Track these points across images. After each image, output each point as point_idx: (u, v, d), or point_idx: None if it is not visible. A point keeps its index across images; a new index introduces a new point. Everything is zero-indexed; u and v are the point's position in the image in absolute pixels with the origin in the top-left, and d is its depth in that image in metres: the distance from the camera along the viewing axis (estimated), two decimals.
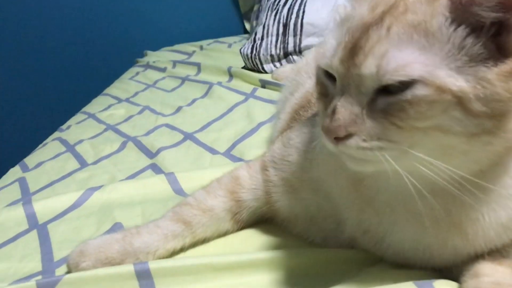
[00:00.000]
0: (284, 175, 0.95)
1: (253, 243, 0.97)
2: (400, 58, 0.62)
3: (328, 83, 0.72)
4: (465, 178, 0.67)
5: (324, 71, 0.72)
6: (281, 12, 2.36)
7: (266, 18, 2.45)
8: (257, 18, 2.86)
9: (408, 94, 0.61)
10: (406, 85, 0.61)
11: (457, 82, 0.61)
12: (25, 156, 1.76)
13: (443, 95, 0.60)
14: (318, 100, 0.75)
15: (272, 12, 2.43)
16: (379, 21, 0.65)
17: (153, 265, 0.85)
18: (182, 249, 0.96)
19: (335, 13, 0.76)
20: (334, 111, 0.66)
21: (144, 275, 0.84)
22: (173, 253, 0.94)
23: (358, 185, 0.80)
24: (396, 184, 0.73)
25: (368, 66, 0.63)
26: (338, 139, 0.66)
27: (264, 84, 2.08)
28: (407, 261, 0.80)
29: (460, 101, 0.61)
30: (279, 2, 2.46)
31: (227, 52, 2.97)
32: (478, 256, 0.76)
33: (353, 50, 0.65)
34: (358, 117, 0.65)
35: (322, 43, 1.56)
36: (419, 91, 0.61)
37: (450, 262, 0.78)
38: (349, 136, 0.65)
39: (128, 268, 0.85)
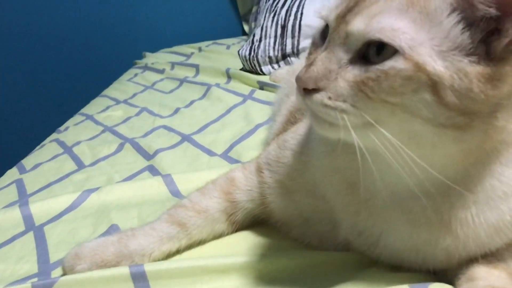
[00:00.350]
0: (278, 177, 0.95)
1: (248, 245, 0.97)
2: (390, 22, 0.62)
3: (319, 42, 0.73)
4: (435, 177, 0.67)
5: (321, 32, 0.73)
6: (279, 14, 2.36)
7: (264, 20, 2.45)
8: (255, 20, 2.87)
9: (386, 65, 0.61)
10: (386, 55, 0.62)
11: (435, 64, 0.60)
12: (22, 158, 1.75)
13: (418, 73, 0.60)
14: (306, 59, 0.74)
15: (270, 14, 2.43)
16: None
17: (149, 267, 0.85)
18: (178, 251, 0.96)
19: None
20: (311, 63, 0.67)
21: (139, 278, 0.84)
22: (168, 255, 0.94)
23: (353, 187, 0.80)
24: (390, 186, 0.73)
25: (357, 23, 0.64)
26: (306, 92, 0.66)
27: (262, 86, 2.09)
28: (402, 263, 0.81)
29: (433, 84, 0.60)
30: (277, 4, 2.46)
31: (225, 53, 2.97)
32: (473, 260, 0.76)
33: (350, 9, 0.66)
34: (332, 74, 0.65)
35: None
36: (397, 63, 0.61)
37: (444, 264, 0.78)
38: (317, 90, 0.65)
39: (124, 270, 0.85)
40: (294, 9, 2.32)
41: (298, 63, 1.56)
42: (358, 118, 0.64)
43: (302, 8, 2.30)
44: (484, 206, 0.72)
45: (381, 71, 0.62)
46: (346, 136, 0.65)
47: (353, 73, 0.64)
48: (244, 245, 0.97)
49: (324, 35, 0.71)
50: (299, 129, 0.96)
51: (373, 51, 0.63)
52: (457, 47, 0.61)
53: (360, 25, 0.63)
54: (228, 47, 3.12)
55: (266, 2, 2.62)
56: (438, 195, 0.71)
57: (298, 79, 0.67)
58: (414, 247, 0.78)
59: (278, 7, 2.42)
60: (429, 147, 0.66)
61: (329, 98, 0.65)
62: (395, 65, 0.61)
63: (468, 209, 0.72)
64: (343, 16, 0.66)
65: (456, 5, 0.62)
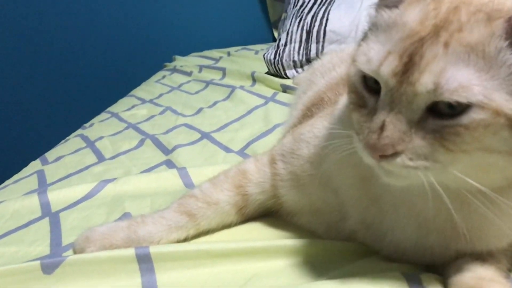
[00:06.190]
0: (292, 168, 0.95)
1: (255, 234, 0.98)
2: (460, 77, 0.58)
3: (366, 94, 0.69)
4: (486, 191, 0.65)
5: (361, 80, 0.69)
6: (305, 19, 2.37)
7: (290, 25, 2.47)
8: (283, 25, 2.88)
9: (465, 119, 0.59)
10: (461, 107, 0.59)
11: (511, 105, 0.59)
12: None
13: (497, 118, 0.58)
14: (354, 110, 0.71)
15: (296, 19, 2.44)
16: (433, 35, 0.61)
17: (154, 249, 0.86)
18: (186, 239, 0.97)
19: (369, 16, 0.73)
20: (382, 127, 0.63)
21: (144, 259, 0.85)
22: (176, 243, 0.95)
23: (366, 183, 0.81)
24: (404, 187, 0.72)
25: (424, 83, 0.60)
26: (382, 156, 0.64)
27: (285, 89, 2.10)
28: (407, 259, 0.80)
29: (511, 123, 0.59)
30: (303, 9, 2.47)
31: (253, 58, 2.98)
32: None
33: (407, 65, 0.62)
34: (406, 135, 0.62)
35: (341, 50, 1.57)
36: (476, 115, 0.58)
37: (450, 261, 0.78)
38: (395, 154, 0.63)
39: (130, 251, 0.86)
40: (320, 14, 2.32)
41: (317, 63, 1.56)
42: (442, 172, 0.63)
43: (328, 14, 2.30)
44: (506, 216, 0.71)
45: (459, 125, 0.60)
46: (426, 183, 0.64)
47: (427, 129, 0.62)
48: (251, 234, 0.98)
49: (366, 83, 0.68)
50: (316, 123, 0.96)
51: (444, 105, 0.60)
52: None
53: (429, 85, 0.59)
54: (256, 52, 3.14)
55: (293, 8, 2.64)
56: (460, 202, 0.69)
57: (372, 146, 0.64)
58: (422, 247, 0.78)
59: (304, 12, 2.43)
60: (497, 171, 0.65)
61: (410, 159, 0.63)
62: (475, 117, 0.59)
63: (487, 219, 0.70)
64: (403, 72, 0.62)
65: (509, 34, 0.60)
